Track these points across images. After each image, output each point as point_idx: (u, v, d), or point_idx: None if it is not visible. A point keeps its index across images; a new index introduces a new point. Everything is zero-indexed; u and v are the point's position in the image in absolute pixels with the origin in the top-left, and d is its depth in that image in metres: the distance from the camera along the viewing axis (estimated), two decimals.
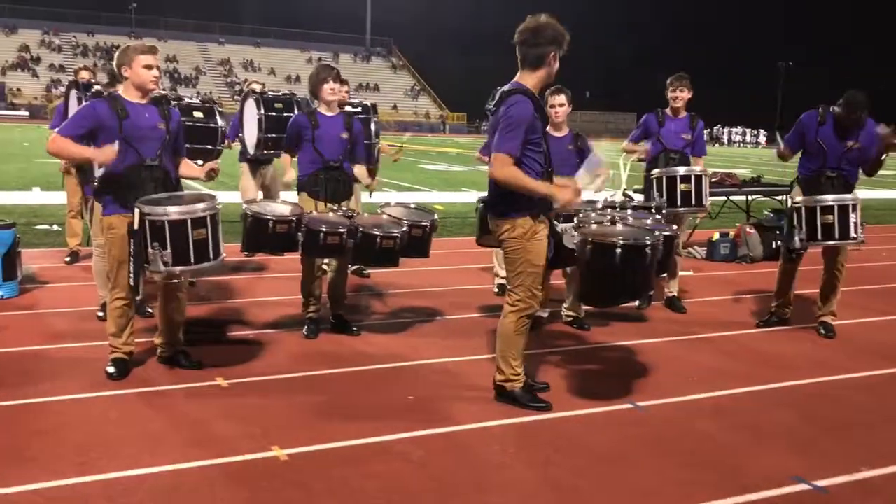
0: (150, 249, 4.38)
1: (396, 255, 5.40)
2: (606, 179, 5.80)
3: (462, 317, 6.52)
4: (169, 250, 4.39)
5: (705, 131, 7.04)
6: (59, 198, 9.98)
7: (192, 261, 4.46)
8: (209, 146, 6.32)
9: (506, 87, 4.37)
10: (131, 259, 4.50)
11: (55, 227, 9.82)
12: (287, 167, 5.82)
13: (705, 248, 9.74)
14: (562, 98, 6.05)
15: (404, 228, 5.42)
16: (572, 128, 6.30)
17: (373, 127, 7.13)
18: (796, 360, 5.62)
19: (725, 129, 63.38)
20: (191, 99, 6.78)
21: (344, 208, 5.62)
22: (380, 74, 73.07)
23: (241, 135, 7.39)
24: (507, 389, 4.52)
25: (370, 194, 6.42)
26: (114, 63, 4.75)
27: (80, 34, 65.67)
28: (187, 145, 5.24)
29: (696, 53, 79.68)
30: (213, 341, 5.57)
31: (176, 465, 3.64)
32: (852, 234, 5.78)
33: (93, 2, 67.77)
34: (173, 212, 4.40)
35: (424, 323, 6.29)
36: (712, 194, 10.41)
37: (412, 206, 6.08)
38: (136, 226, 4.41)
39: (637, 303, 6.67)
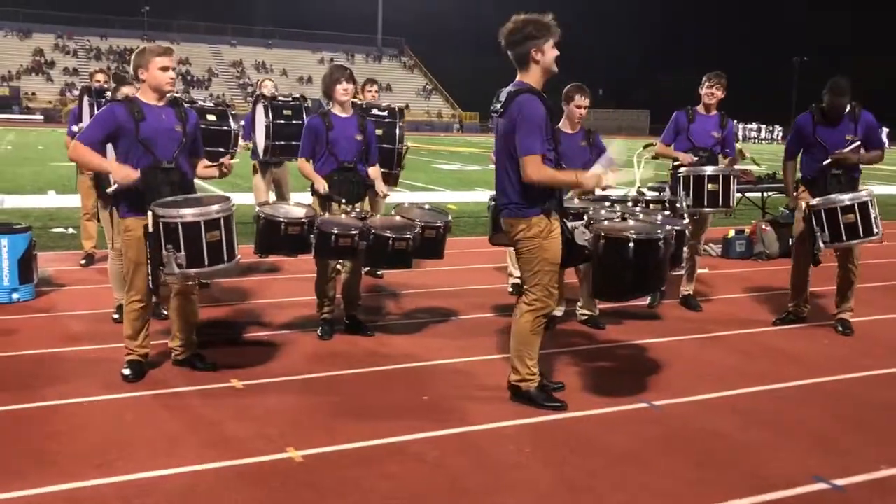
0: (164, 252, 4.39)
1: (409, 256, 5.39)
2: (621, 175, 5.80)
3: (476, 317, 6.51)
4: (183, 252, 4.40)
5: None
6: (74, 201, 10.04)
7: (206, 263, 4.47)
8: (222, 149, 6.34)
9: (511, 88, 4.37)
10: (149, 261, 4.52)
11: (70, 230, 9.88)
12: (314, 176, 5.71)
13: (721, 246, 9.68)
14: (587, 101, 6.09)
15: (417, 230, 5.41)
16: (584, 124, 6.30)
17: (398, 131, 7.06)
18: (814, 358, 5.58)
19: (740, 126, 63.02)
20: (203, 102, 6.82)
21: (357, 209, 5.61)
22: (391, 74, 73.10)
23: (253, 135, 7.42)
24: (523, 389, 4.50)
25: (383, 196, 6.38)
26: (130, 65, 4.78)
27: (93, 38, 66.12)
28: None
29: (709, 50, 79.35)
30: (227, 343, 5.58)
31: (191, 466, 3.65)
32: (874, 230, 5.75)
33: (106, 5, 68.35)
34: (187, 214, 4.41)
35: (439, 323, 6.28)
36: None
37: (426, 206, 6.07)
38: (150, 228, 4.42)
39: (648, 300, 6.67)
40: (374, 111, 6.77)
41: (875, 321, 6.56)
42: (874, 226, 5.74)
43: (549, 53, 4.30)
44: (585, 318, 6.26)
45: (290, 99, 7.12)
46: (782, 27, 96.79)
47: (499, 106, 4.39)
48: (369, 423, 4.20)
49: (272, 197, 8.03)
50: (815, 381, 5.08)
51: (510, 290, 7.28)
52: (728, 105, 6.87)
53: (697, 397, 4.74)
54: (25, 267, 6.56)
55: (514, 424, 4.24)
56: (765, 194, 11.68)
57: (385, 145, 6.64)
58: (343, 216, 5.52)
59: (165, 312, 5.56)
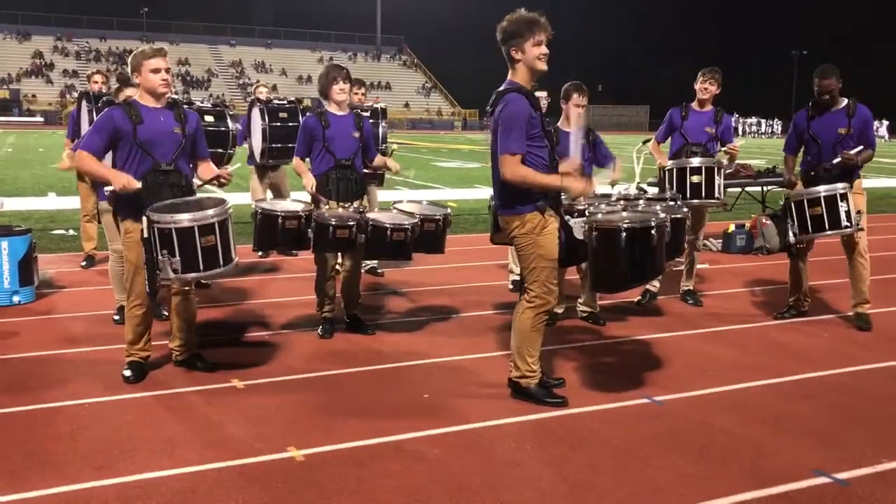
0: (159, 257, 4.38)
1: (408, 248, 5.39)
2: (619, 174, 5.82)
3: (477, 314, 6.51)
4: (178, 258, 4.38)
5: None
6: (74, 203, 10.05)
7: (202, 268, 4.45)
8: (220, 150, 6.35)
9: (500, 88, 4.39)
10: (145, 265, 4.52)
11: (71, 232, 9.88)
12: (304, 172, 5.74)
13: (721, 241, 9.68)
14: (585, 99, 6.09)
15: (416, 221, 5.41)
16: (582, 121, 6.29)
17: (381, 131, 7.08)
18: (815, 352, 5.57)
19: (741, 121, 62.94)
20: (202, 103, 6.82)
21: (355, 206, 5.61)
22: (391, 73, 73.10)
23: (248, 139, 7.43)
24: (523, 386, 4.50)
25: (404, 172, 6.37)
26: (128, 69, 4.78)
27: (92, 39, 66.10)
28: None
29: (709, 44, 79.21)
30: (228, 343, 5.59)
31: (193, 466, 3.65)
32: (843, 224, 5.77)
33: (104, 7, 68.28)
34: (181, 219, 4.38)
35: (439, 321, 6.28)
36: (727, 186, 10.36)
37: (424, 202, 6.07)
38: (145, 234, 4.41)
39: (637, 298, 6.67)
40: (358, 111, 6.78)
41: (877, 314, 6.54)
42: (843, 219, 5.76)
43: (531, 52, 4.28)
44: (586, 314, 6.26)
45: (285, 102, 7.13)
46: (782, 21, 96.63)
47: (490, 104, 4.42)
48: (370, 422, 4.20)
49: (269, 197, 8.04)
50: (816, 375, 5.08)
51: (510, 287, 7.28)
52: (730, 99, 6.88)
53: (698, 392, 4.74)
54: (26, 269, 6.56)
55: (514, 421, 4.24)
56: (765, 188, 11.66)
57: None
58: (340, 209, 5.52)
59: (166, 313, 5.56)
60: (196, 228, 4.40)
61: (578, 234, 4.57)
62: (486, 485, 3.53)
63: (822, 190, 5.82)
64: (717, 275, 8.19)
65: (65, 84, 58.92)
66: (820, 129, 6.08)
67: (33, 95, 57.55)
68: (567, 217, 4.65)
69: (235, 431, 4.06)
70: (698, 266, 7.24)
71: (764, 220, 9.56)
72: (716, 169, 6.38)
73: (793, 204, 5.95)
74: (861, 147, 5.98)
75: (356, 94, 7.78)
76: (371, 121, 6.90)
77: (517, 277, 7.28)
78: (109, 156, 4.76)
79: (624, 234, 4.40)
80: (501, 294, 7.16)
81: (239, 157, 6.80)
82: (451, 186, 17.90)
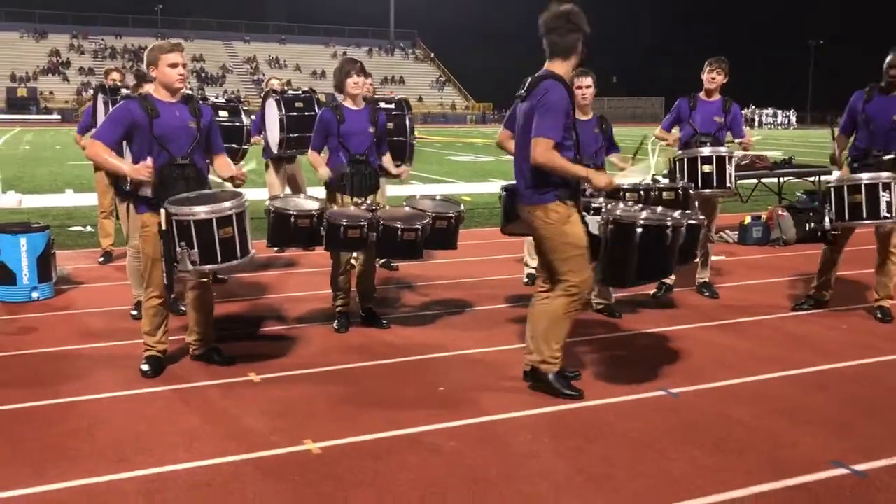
0: (177, 249, 4.42)
1: (419, 247, 5.39)
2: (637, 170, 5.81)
3: (492, 307, 6.51)
4: (196, 249, 4.42)
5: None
6: (91, 199, 10.12)
7: (220, 259, 4.49)
8: (235, 145, 6.37)
9: (538, 74, 4.35)
10: (162, 259, 4.55)
11: (88, 229, 9.96)
12: (319, 164, 5.76)
13: (737, 232, 9.62)
14: (588, 80, 6.04)
15: (426, 220, 5.41)
16: (596, 111, 6.29)
17: (407, 123, 7.04)
18: (832, 343, 5.54)
19: (757, 111, 62.44)
20: (216, 98, 6.84)
21: (369, 202, 5.62)
22: (404, 67, 73.08)
23: (263, 133, 7.44)
24: (542, 372, 4.47)
25: (404, 176, 6.35)
26: (144, 63, 4.80)
27: (108, 37, 66.54)
28: None
29: (725, 35, 78.67)
30: (244, 337, 5.61)
31: (210, 459, 3.68)
32: (883, 214, 5.66)
33: (120, 5, 68.67)
34: (199, 211, 4.42)
35: (454, 314, 6.29)
36: (743, 177, 10.33)
37: (438, 197, 6.07)
38: (163, 226, 4.45)
39: (653, 291, 6.65)
40: (382, 104, 6.76)
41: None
42: (883, 209, 5.65)
43: (581, 48, 4.33)
44: (601, 306, 6.24)
45: (300, 91, 7.13)
46: (797, 9, 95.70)
47: (523, 90, 4.38)
48: (386, 415, 4.21)
49: (286, 192, 8.05)
50: (833, 367, 5.04)
51: (525, 280, 7.27)
52: (746, 90, 6.84)
53: (715, 384, 4.72)
54: (44, 265, 6.62)
55: (530, 414, 4.24)
56: (781, 180, 11.59)
57: (396, 138, 6.63)
58: (352, 208, 5.53)
59: (183, 308, 5.60)
60: (214, 220, 4.43)
61: (594, 230, 4.55)
62: (502, 477, 3.53)
63: (864, 177, 5.70)
64: (733, 267, 8.15)
65: (81, 82, 59.32)
66: (874, 113, 5.95)
67: (50, 93, 58.00)
68: (584, 214, 4.64)
69: (252, 425, 4.09)
70: (714, 258, 7.20)
71: (780, 212, 9.55)
72: (727, 158, 6.35)
73: (832, 189, 5.84)
74: None
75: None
76: (396, 112, 6.88)
77: (532, 271, 7.28)
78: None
79: (640, 229, 4.40)
80: (516, 287, 7.15)
81: (253, 154, 6.83)
82: (465, 180, 17.90)
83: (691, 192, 6.02)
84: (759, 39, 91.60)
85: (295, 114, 6.78)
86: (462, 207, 5.81)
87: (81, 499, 3.32)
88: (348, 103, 5.77)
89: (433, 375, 4.87)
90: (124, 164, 4.62)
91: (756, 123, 61.58)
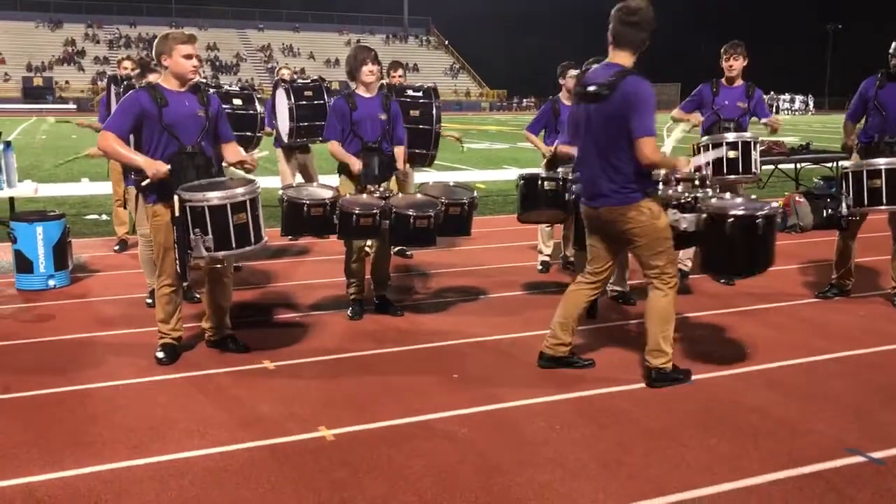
0: (192, 235, 4.43)
1: (432, 234, 5.38)
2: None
3: (506, 295, 6.50)
4: (210, 236, 4.43)
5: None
6: (107, 188, 10.14)
7: (234, 245, 4.50)
8: (249, 133, 6.37)
9: (610, 69, 4.25)
10: (176, 246, 4.57)
11: (104, 217, 10.02)
12: (347, 156, 5.68)
13: None
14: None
15: (439, 207, 5.39)
16: None
17: (434, 111, 6.99)
18: (850, 331, 5.49)
19: (776, 98, 61.79)
20: (230, 87, 6.84)
21: (381, 189, 5.61)
22: (418, 54, 72.89)
23: (274, 122, 7.44)
24: (667, 371, 4.46)
25: (403, 176, 6.31)
26: (153, 52, 4.79)
27: (122, 26, 66.73)
28: None
29: (742, 20, 77.90)
30: (259, 325, 5.63)
31: (225, 446, 3.70)
32: None
33: None
34: (212, 197, 4.43)
35: (468, 302, 6.28)
36: (760, 163, 10.23)
37: (451, 184, 6.05)
38: (177, 213, 4.46)
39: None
40: (409, 91, 6.73)
41: None
42: None
43: (641, 39, 4.30)
44: (616, 293, 6.22)
45: (309, 80, 7.12)
46: None
47: (601, 88, 4.22)
48: (400, 402, 4.22)
49: (298, 180, 8.06)
50: (851, 354, 5.00)
51: (539, 267, 7.25)
52: (764, 76, 6.77)
53: (730, 371, 4.70)
54: (60, 254, 6.66)
55: (544, 401, 4.23)
56: (798, 166, 11.49)
57: (422, 126, 6.60)
58: (365, 196, 5.52)
59: (198, 296, 5.62)
60: (228, 206, 4.44)
61: (687, 226, 4.63)
62: (516, 464, 3.53)
63: (882, 162, 5.64)
64: None
65: (96, 71, 59.56)
66: (887, 99, 5.91)
67: (66, 82, 58.27)
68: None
69: (267, 411, 4.10)
70: None
71: (797, 198, 9.46)
72: (752, 143, 6.30)
73: (850, 174, 5.76)
74: None
75: (394, 76, 7.70)
76: (423, 101, 6.83)
77: (546, 258, 7.28)
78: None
79: (760, 220, 4.52)
80: (530, 275, 7.13)
81: (266, 143, 6.83)
82: (480, 168, 17.86)
83: (708, 182, 5.98)
84: (777, 24, 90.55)
85: (304, 103, 6.77)
86: (475, 193, 5.79)
87: (98, 485, 3.35)
88: (361, 91, 5.75)
89: (447, 362, 4.86)
90: (138, 157, 4.62)
91: (774, 109, 60.96)
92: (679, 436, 3.81)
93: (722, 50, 6.71)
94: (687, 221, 4.61)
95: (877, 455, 3.59)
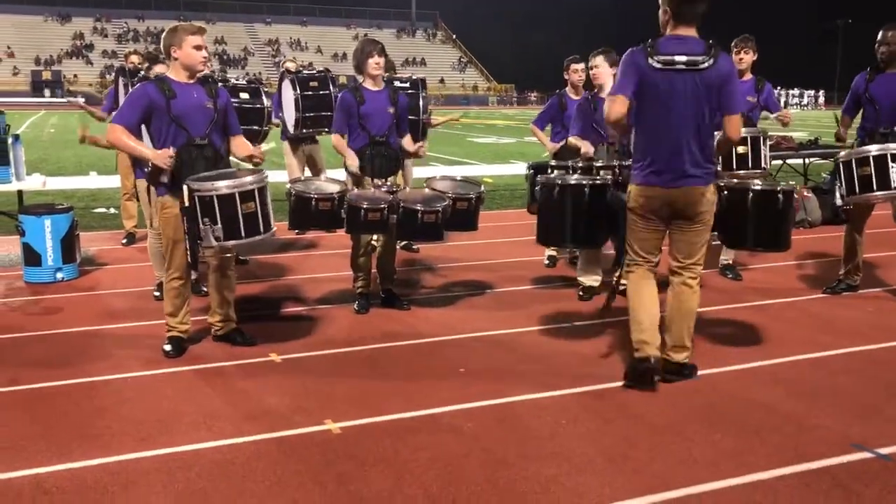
0: (201, 225, 4.44)
1: (440, 229, 5.38)
2: None
3: (512, 289, 6.49)
4: (219, 225, 4.43)
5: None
6: (115, 181, 10.18)
7: (244, 234, 4.50)
8: (256, 126, 6.37)
9: (698, 41, 4.10)
10: (186, 237, 4.58)
11: (112, 210, 10.05)
12: (345, 150, 5.76)
13: None
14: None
15: (447, 202, 5.39)
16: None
17: (421, 102, 7.06)
18: (859, 326, 5.47)
19: (783, 91, 61.49)
20: (237, 80, 6.84)
21: (389, 183, 5.61)
22: (426, 48, 72.79)
23: (280, 115, 7.45)
24: (689, 364, 4.46)
25: (423, 154, 6.37)
26: (161, 44, 4.79)
27: (130, 20, 66.85)
28: None
29: (752, 14, 77.45)
30: (266, 318, 5.65)
31: (232, 439, 3.71)
32: (893, 185, 5.55)
33: None
34: (221, 186, 4.44)
35: (474, 296, 6.28)
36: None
37: (458, 178, 6.05)
38: (186, 203, 4.47)
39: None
40: (397, 83, 6.75)
41: None
42: (894, 180, 5.53)
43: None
44: (624, 287, 6.19)
45: (314, 72, 7.13)
46: None
47: (704, 58, 4.05)
48: (406, 395, 4.22)
49: (306, 173, 8.06)
50: (859, 350, 4.98)
51: (546, 262, 7.25)
52: (772, 70, 6.75)
53: (737, 366, 4.68)
54: (68, 246, 6.68)
55: (550, 396, 4.23)
56: (806, 161, 11.44)
57: (409, 116, 6.63)
58: (373, 190, 5.53)
59: (205, 289, 5.63)
60: (237, 195, 4.45)
61: None
62: (522, 458, 3.53)
63: (872, 149, 5.62)
64: None
65: (104, 65, 59.67)
66: (878, 92, 5.92)
67: (74, 76, 58.43)
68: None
69: (273, 404, 4.11)
70: None
71: (806, 193, 9.42)
72: (761, 138, 6.28)
73: (841, 165, 5.77)
74: None
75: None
76: (410, 91, 6.88)
77: (553, 253, 7.27)
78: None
79: (781, 196, 4.67)
80: (537, 269, 7.12)
81: (273, 136, 6.83)
82: (487, 162, 17.84)
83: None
84: (786, 18, 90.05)
85: (310, 93, 6.78)
86: (482, 188, 5.79)
87: (105, 476, 3.36)
88: (368, 84, 5.75)
89: (453, 357, 4.87)
90: (146, 149, 4.63)
91: (783, 103, 60.56)
92: (685, 431, 3.81)
93: (732, 43, 6.69)
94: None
95: (884, 451, 3.58)
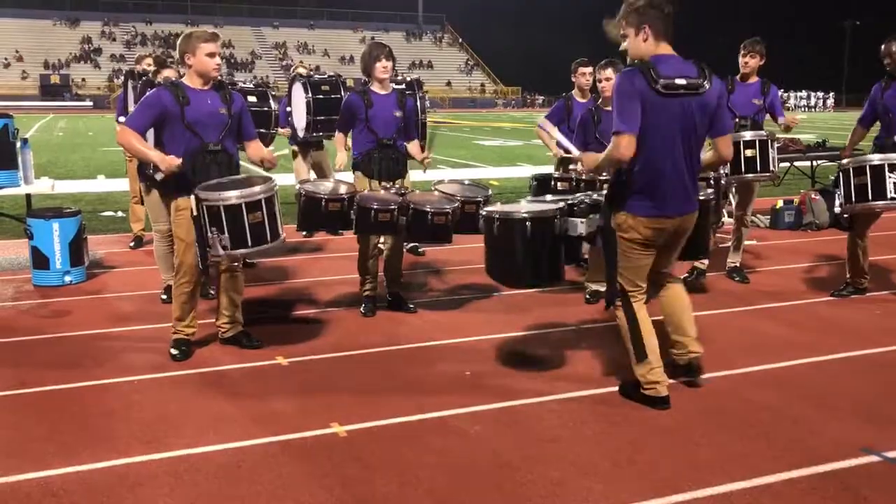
0: (208, 234, 4.46)
1: (449, 231, 5.39)
2: None
3: (519, 293, 6.48)
4: (226, 234, 4.45)
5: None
6: (123, 185, 10.24)
7: (250, 244, 4.52)
8: (263, 130, 6.39)
9: (690, 61, 3.94)
10: (197, 243, 4.60)
11: (120, 214, 10.09)
12: (340, 148, 5.83)
13: (769, 217, 9.49)
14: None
15: (456, 205, 5.40)
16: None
17: (418, 103, 7.05)
18: (865, 329, 5.45)
19: (792, 94, 61.31)
20: (244, 83, 6.87)
21: (397, 186, 5.62)
22: (433, 51, 72.86)
23: (290, 119, 7.46)
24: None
25: (424, 170, 6.44)
26: (176, 50, 4.82)
27: (138, 24, 67.10)
28: None
29: (760, 15, 77.32)
30: (273, 321, 5.66)
31: (239, 442, 3.72)
32: (890, 195, 5.57)
33: None
34: (228, 196, 4.46)
35: (480, 299, 6.28)
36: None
37: (466, 181, 6.05)
38: (194, 212, 4.49)
39: (684, 276, 6.61)
40: (393, 85, 6.77)
41: None
42: (890, 190, 5.55)
43: None
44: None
45: (326, 76, 7.15)
46: None
47: (704, 80, 3.89)
48: (412, 398, 4.22)
49: (312, 177, 8.09)
50: (866, 353, 4.97)
51: None
52: (780, 72, 6.74)
53: (744, 369, 4.67)
54: (76, 250, 6.71)
55: (556, 399, 4.23)
56: (814, 163, 11.41)
57: None
58: (382, 192, 5.54)
59: (213, 292, 5.65)
60: (244, 205, 4.46)
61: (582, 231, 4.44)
62: (527, 461, 3.53)
63: (874, 158, 5.63)
64: (765, 251, 8.05)
65: (112, 69, 59.93)
66: (890, 101, 5.91)
67: (82, 80, 58.67)
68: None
69: (280, 407, 4.12)
70: (747, 242, 7.11)
71: (813, 196, 9.39)
72: (769, 142, 6.28)
73: (840, 173, 5.81)
74: None
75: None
76: (407, 93, 6.89)
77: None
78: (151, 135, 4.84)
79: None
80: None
81: (280, 142, 6.85)
82: (494, 165, 17.84)
83: (723, 181, 5.97)
84: (794, 20, 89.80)
85: (321, 97, 6.79)
86: (490, 192, 5.79)
87: (113, 479, 3.37)
88: (376, 87, 5.76)
89: (459, 360, 4.87)
90: (153, 153, 4.65)
91: (792, 106, 60.53)
92: (692, 434, 3.80)
93: (742, 45, 6.68)
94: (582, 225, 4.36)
95: (893, 455, 3.56)
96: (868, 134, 6.40)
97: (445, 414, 4.03)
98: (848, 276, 6.29)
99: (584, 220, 4.35)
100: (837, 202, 5.84)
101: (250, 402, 4.21)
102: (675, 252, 4.27)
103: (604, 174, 5.39)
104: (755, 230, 9.08)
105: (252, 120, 5.55)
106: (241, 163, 5.04)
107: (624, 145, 3.84)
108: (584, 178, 5.63)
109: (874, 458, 3.54)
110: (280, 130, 7.46)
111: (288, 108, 7.44)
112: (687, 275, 6.67)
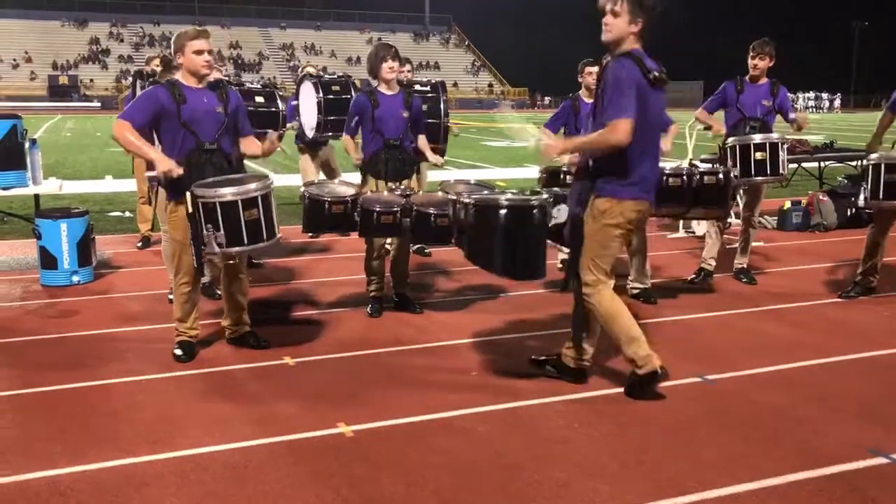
0: (204, 232, 4.45)
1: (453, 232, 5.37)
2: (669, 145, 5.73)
3: (525, 293, 6.48)
4: (222, 232, 4.45)
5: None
6: (130, 185, 10.25)
7: (246, 241, 4.50)
8: (270, 130, 6.39)
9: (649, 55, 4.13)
10: (192, 242, 4.60)
11: (127, 214, 10.11)
12: (352, 149, 5.84)
13: (776, 218, 9.46)
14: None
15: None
16: None
17: (442, 106, 7.04)
18: (873, 331, 5.43)
19: (800, 95, 61.09)
20: (252, 84, 6.88)
21: (402, 187, 5.62)
22: (439, 52, 72.89)
23: (297, 118, 7.46)
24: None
25: (441, 164, 6.44)
26: (171, 51, 4.83)
27: (146, 25, 67.31)
28: None
29: (767, 15, 77.15)
30: (279, 321, 5.66)
31: (245, 442, 3.72)
32: None
33: None
34: (224, 193, 4.45)
35: (487, 300, 6.28)
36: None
37: (472, 182, 6.04)
38: (189, 209, 4.48)
39: (691, 276, 6.62)
40: (417, 87, 6.76)
41: None
42: None
43: None
44: (637, 291, 6.19)
45: (335, 76, 7.16)
46: None
47: (664, 75, 4.10)
48: (419, 399, 4.23)
49: (320, 177, 8.09)
50: (873, 354, 4.95)
51: (559, 266, 7.22)
52: (786, 73, 6.72)
53: (751, 371, 4.66)
54: (84, 250, 6.73)
55: (563, 399, 4.23)
56: (822, 164, 11.37)
57: (430, 120, 6.64)
58: (386, 193, 5.54)
59: (219, 293, 5.65)
60: (239, 202, 4.45)
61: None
62: (534, 462, 3.53)
63: None
64: (772, 252, 8.02)
65: (120, 69, 60.12)
66: None
67: (91, 81, 58.87)
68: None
69: (286, 408, 4.13)
70: (754, 244, 7.09)
71: (821, 197, 9.36)
72: (779, 144, 6.26)
73: (870, 167, 5.79)
74: None
75: (402, 71, 7.75)
76: (431, 95, 6.88)
77: (566, 256, 7.23)
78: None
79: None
80: (550, 273, 7.06)
81: (287, 140, 6.85)
82: (500, 165, 17.83)
83: (731, 176, 5.94)
84: (801, 20, 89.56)
85: (332, 97, 6.80)
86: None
87: (119, 479, 3.38)
88: (383, 88, 5.77)
89: (465, 360, 4.87)
90: (151, 151, 4.64)
91: (800, 107, 60.32)
92: (698, 435, 3.79)
93: (751, 47, 6.66)
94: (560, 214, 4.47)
95: None
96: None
97: (452, 414, 4.03)
98: (858, 273, 6.26)
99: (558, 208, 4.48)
100: (862, 196, 5.81)
101: (257, 402, 4.21)
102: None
103: (564, 165, 5.43)
104: (763, 231, 9.05)
105: (259, 120, 5.57)
106: (246, 162, 5.05)
107: (625, 131, 3.91)
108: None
109: (882, 460, 3.52)
110: (291, 124, 7.46)
111: (294, 102, 7.44)
112: (694, 276, 6.67)
